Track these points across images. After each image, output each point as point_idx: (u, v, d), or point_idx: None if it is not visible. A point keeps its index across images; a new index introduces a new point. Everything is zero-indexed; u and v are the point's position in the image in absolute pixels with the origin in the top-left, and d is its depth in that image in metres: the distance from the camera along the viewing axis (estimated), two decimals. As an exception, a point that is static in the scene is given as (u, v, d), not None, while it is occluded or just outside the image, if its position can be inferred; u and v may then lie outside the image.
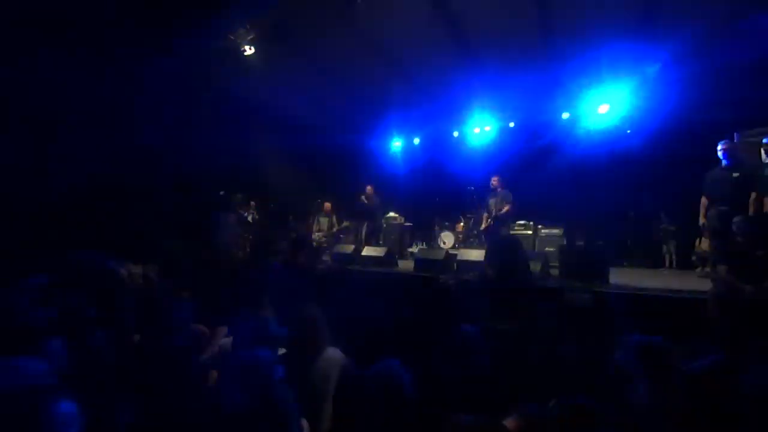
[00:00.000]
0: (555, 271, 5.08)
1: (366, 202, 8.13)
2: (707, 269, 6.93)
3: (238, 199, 8.31)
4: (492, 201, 6.92)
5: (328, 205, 8.60)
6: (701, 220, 4.51)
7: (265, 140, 10.52)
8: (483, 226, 7.07)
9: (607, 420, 1.75)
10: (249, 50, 8.11)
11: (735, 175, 4.21)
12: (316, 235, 8.28)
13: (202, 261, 6.74)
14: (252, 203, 8.97)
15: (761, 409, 1.59)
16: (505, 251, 4.27)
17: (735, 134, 4.81)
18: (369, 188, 8.27)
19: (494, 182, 7.00)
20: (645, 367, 1.76)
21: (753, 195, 4.03)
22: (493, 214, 6.78)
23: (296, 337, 2.36)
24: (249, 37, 7.99)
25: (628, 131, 9.39)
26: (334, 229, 8.50)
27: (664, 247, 8.64)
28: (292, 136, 10.79)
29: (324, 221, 8.52)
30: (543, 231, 7.84)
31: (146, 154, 8.38)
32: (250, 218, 8.70)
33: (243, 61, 8.38)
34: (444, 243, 8.97)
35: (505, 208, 6.65)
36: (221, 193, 9.13)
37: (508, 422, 1.58)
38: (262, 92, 9.86)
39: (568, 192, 9.72)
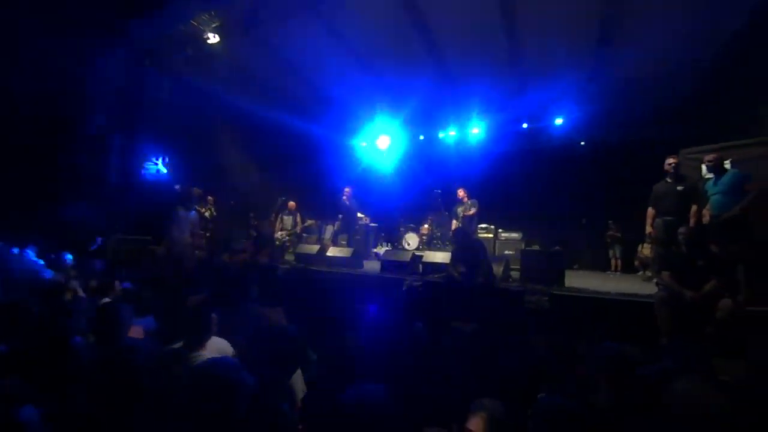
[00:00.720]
0: (515, 274, 5.27)
1: (347, 203, 8.10)
2: (648, 273, 7.53)
3: (196, 194, 7.89)
4: (460, 209, 7.21)
5: (292, 203, 8.38)
6: (648, 229, 4.85)
7: (226, 135, 10.12)
8: (453, 228, 7.33)
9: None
10: (213, 39, 7.76)
11: (679, 188, 4.58)
12: (279, 234, 8.04)
13: (156, 258, 6.37)
14: (210, 198, 8.57)
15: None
16: (471, 254, 4.39)
17: (680, 151, 5.22)
18: (347, 190, 8.23)
19: (461, 193, 7.33)
20: (609, 374, 1.84)
21: (694, 207, 4.41)
22: (462, 215, 7.09)
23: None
24: (213, 25, 7.64)
25: (582, 143, 9.97)
26: (298, 228, 8.30)
27: (611, 252, 9.28)
28: (254, 131, 10.47)
29: (287, 220, 8.29)
30: (503, 235, 8.13)
31: (94, 145, 7.83)
32: (207, 214, 8.29)
33: (204, 49, 8.03)
34: (408, 244, 9.04)
35: (471, 211, 6.95)
36: (176, 187, 8.65)
37: (472, 423, 1.60)
38: (224, 84, 9.51)
39: (527, 198, 10.20)
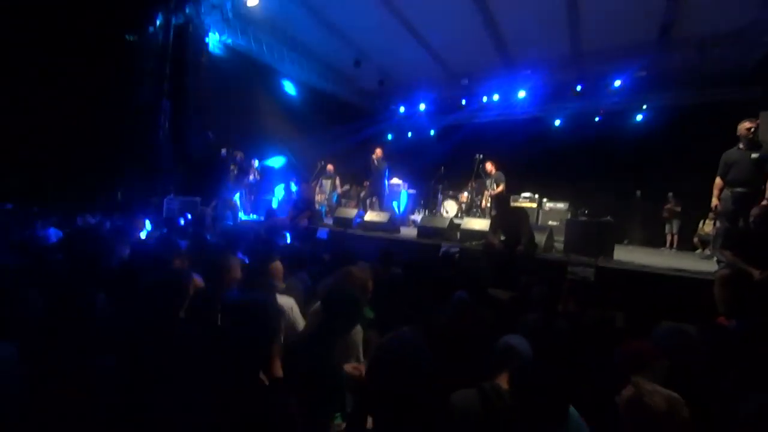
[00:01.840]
0: (559, 245, 5.06)
1: (376, 163, 7.87)
2: (707, 252, 6.95)
3: (239, 157, 8.16)
4: (488, 182, 7.07)
5: (331, 166, 8.45)
6: (713, 202, 4.40)
7: (265, 98, 10.26)
8: (483, 202, 7.21)
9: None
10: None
11: (754, 156, 4.06)
12: (319, 197, 8.20)
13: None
14: (254, 162, 8.84)
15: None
16: (513, 222, 4.24)
17: (759, 113, 4.61)
18: (378, 150, 7.95)
19: (489, 167, 7.07)
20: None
21: (770, 177, 3.93)
22: (490, 192, 7.03)
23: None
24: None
25: (644, 107, 9.12)
26: (338, 191, 8.39)
27: (667, 227, 8.63)
28: (293, 95, 10.54)
29: (327, 183, 8.40)
30: (548, 204, 7.76)
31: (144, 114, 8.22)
32: (251, 178, 8.59)
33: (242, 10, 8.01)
34: (447, 212, 8.91)
35: (500, 188, 6.74)
36: (222, 151, 8.98)
37: (500, 378, 1.60)
38: (264, 47, 9.53)
39: (575, 168, 9.62)
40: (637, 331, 2.27)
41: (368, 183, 8.15)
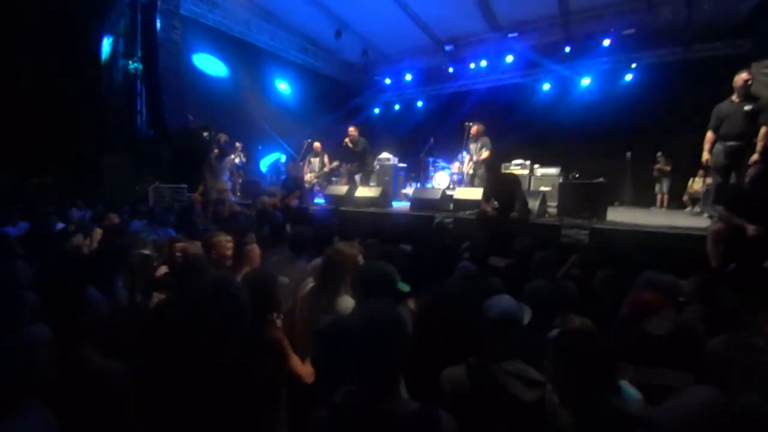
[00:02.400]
0: (552, 210, 5.05)
1: (350, 146, 7.50)
2: (697, 209, 7.02)
3: (224, 140, 7.90)
4: (473, 146, 6.85)
5: (318, 144, 8.25)
6: (704, 156, 4.37)
7: (246, 78, 9.89)
8: (466, 168, 7.05)
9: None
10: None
11: (747, 108, 4.01)
12: (308, 176, 8.05)
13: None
14: (238, 144, 8.59)
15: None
16: (505, 189, 4.19)
17: (752, 65, 4.53)
18: (352, 129, 7.54)
19: (474, 130, 6.86)
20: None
21: (763, 130, 3.87)
22: (474, 158, 6.75)
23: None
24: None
25: (633, 65, 8.97)
26: (326, 169, 8.24)
27: (657, 187, 8.67)
28: (275, 74, 10.19)
29: (315, 162, 8.23)
30: (539, 170, 7.71)
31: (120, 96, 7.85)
32: (237, 160, 8.37)
33: None
34: (439, 184, 8.83)
35: (485, 154, 6.58)
36: (205, 134, 8.70)
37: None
38: (243, 25, 9.10)
39: (565, 132, 9.53)
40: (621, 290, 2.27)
41: (350, 166, 7.88)
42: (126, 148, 7.95)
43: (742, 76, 4.01)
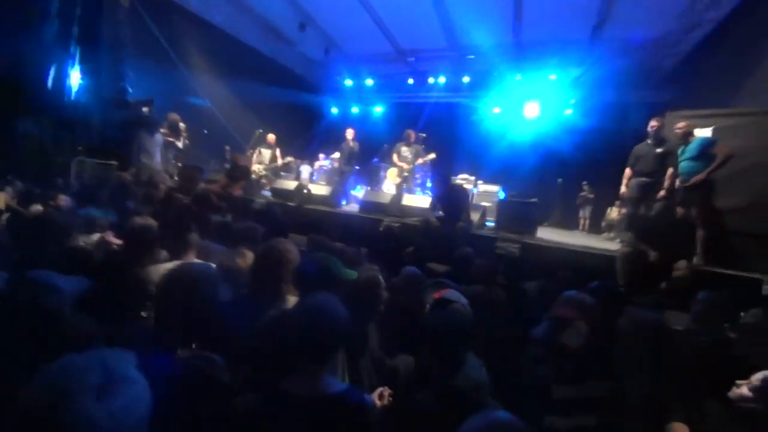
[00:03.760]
0: (491, 223, 5.39)
1: (351, 145, 7.93)
2: (612, 234, 7.91)
3: (172, 120, 7.37)
4: (406, 149, 7.15)
5: (272, 136, 8.01)
6: (622, 189, 4.99)
7: (199, 58, 9.34)
8: (399, 171, 7.30)
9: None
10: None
11: (658, 150, 4.66)
12: (256, 168, 7.76)
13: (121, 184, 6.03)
14: (182, 126, 8.04)
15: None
16: (454, 199, 4.41)
17: (666, 113, 5.24)
18: (350, 131, 8.01)
19: (412, 136, 7.24)
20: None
21: (670, 170, 4.52)
22: (409, 162, 7.08)
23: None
24: None
25: (572, 101, 9.88)
26: (278, 163, 8.02)
27: (581, 212, 9.63)
28: (232, 58, 9.74)
29: (266, 153, 7.96)
30: (482, 186, 8.20)
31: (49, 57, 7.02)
32: (180, 144, 7.82)
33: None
34: (388, 189, 8.99)
35: (431, 156, 6.99)
36: (144, 110, 8.04)
37: None
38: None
39: (508, 154, 10.25)
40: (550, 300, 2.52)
41: (342, 163, 8.19)
42: (47, 112, 7.10)
43: (651, 124, 4.68)
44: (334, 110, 12.93)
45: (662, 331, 1.62)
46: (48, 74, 7.07)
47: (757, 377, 1.36)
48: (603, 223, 9.17)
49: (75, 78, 7.43)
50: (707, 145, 4.19)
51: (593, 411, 1.54)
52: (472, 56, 10.25)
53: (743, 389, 1.38)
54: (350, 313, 1.24)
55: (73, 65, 7.33)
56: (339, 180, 8.28)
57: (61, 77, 7.27)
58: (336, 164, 8.81)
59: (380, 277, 1.96)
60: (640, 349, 1.57)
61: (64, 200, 3.82)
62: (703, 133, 4.56)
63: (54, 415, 0.59)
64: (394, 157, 7.22)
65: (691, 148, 4.26)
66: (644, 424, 1.38)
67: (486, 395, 1.49)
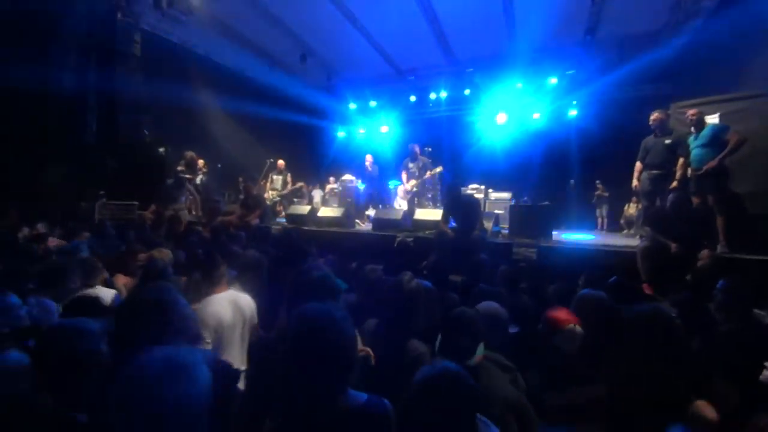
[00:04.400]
0: (505, 231, 5.38)
1: (370, 169, 8.21)
2: (631, 231, 7.75)
3: (189, 158, 7.65)
4: (413, 165, 7.23)
5: (281, 162, 8.24)
6: (634, 183, 4.94)
7: (207, 94, 9.76)
8: (410, 187, 7.35)
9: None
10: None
11: (667, 141, 4.63)
12: (270, 194, 7.97)
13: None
14: (201, 162, 8.32)
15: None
16: (465, 209, 4.44)
17: (671, 105, 5.23)
18: (369, 156, 8.31)
19: (417, 149, 7.34)
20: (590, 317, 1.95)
21: (681, 160, 4.47)
22: (417, 177, 7.17)
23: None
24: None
25: (575, 102, 9.89)
26: (288, 188, 8.22)
27: (597, 211, 9.48)
28: (237, 90, 10.15)
29: (278, 180, 8.18)
30: (493, 195, 8.19)
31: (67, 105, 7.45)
32: (199, 180, 8.09)
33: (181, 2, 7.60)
34: (400, 205, 9.07)
35: (429, 173, 7.06)
36: (161, 150, 8.39)
37: None
38: (204, 41, 9.11)
39: (517, 160, 10.25)
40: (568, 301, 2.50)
41: (364, 187, 8.53)
42: (70, 159, 7.49)
43: (653, 117, 4.67)
44: (341, 134, 13.21)
45: (665, 320, 1.60)
46: (69, 123, 7.50)
47: (787, 357, 1.34)
48: (621, 221, 9.00)
49: (94, 124, 7.86)
50: (720, 131, 4.15)
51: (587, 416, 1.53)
52: (471, 69, 10.43)
53: (774, 371, 1.36)
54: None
55: (91, 113, 7.76)
56: (355, 202, 8.49)
57: (81, 125, 7.69)
58: (350, 184, 8.99)
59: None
60: (646, 339, 1.55)
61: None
62: (712, 120, 4.54)
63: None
64: (403, 175, 7.32)
65: (704, 135, 4.22)
66: (654, 418, 1.35)
67: None
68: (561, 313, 2.00)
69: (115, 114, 7.78)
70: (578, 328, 1.90)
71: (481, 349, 1.57)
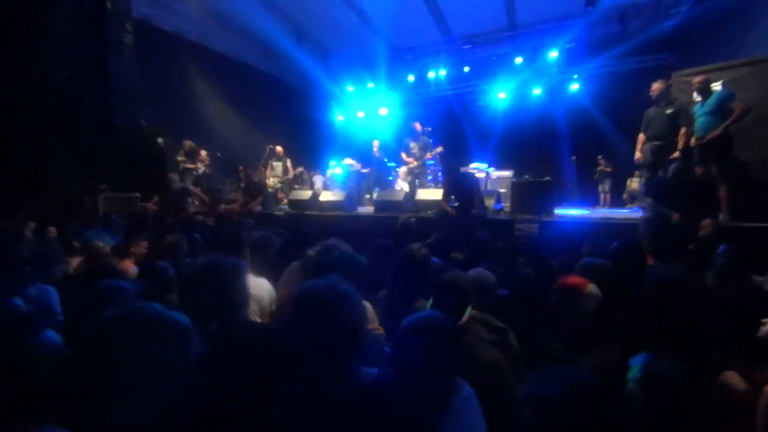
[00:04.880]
0: (507, 208, 5.38)
1: (377, 155, 8.29)
2: (634, 206, 7.73)
3: (188, 147, 7.63)
4: (414, 144, 7.16)
5: (280, 148, 8.22)
6: (636, 155, 4.90)
7: (201, 82, 9.65)
8: (411, 167, 7.31)
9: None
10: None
11: (668, 111, 4.56)
12: (271, 181, 7.98)
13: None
14: (203, 153, 8.28)
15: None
16: (464, 188, 4.45)
17: (672, 74, 5.13)
18: (376, 142, 8.39)
19: (418, 127, 7.23)
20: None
21: (682, 130, 4.42)
22: (419, 157, 7.13)
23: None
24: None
25: (575, 76, 9.72)
26: (290, 174, 8.22)
27: (600, 187, 9.43)
28: (231, 78, 10.04)
29: (278, 166, 8.17)
30: (494, 173, 8.17)
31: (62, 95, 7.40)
32: (201, 170, 8.08)
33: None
34: (401, 187, 9.06)
35: (429, 155, 7.03)
36: (159, 141, 8.35)
37: None
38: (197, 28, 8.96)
39: (519, 138, 10.16)
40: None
41: (369, 170, 8.60)
42: (71, 155, 7.49)
43: (655, 86, 4.59)
44: (340, 117, 13.09)
45: (685, 285, 1.63)
46: (65, 117, 7.46)
47: (782, 311, 1.37)
48: (624, 195, 8.96)
49: (91, 118, 7.81)
50: (726, 99, 4.07)
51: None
52: (469, 45, 10.23)
53: (769, 326, 1.39)
54: None
55: (87, 106, 7.70)
56: (361, 185, 8.58)
57: (78, 118, 7.65)
58: (352, 168, 8.98)
59: None
60: (664, 305, 1.59)
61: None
62: (715, 87, 4.46)
63: None
64: (403, 155, 7.29)
65: (709, 103, 4.15)
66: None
67: None
68: (574, 279, 2.03)
69: (111, 106, 7.73)
70: (596, 289, 1.95)
71: (468, 311, 1.64)
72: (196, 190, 7.72)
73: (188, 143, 7.51)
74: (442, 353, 1.09)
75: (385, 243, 3.00)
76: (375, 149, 8.29)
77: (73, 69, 7.38)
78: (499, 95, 10.91)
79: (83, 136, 7.69)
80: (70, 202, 7.04)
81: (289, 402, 1.09)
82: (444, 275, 1.77)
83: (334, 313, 1.04)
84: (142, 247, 3.07)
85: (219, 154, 9.77)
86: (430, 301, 1.74)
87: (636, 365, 1.48)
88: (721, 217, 3.94)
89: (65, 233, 4.57)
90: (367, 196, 9.04)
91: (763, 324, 1.40)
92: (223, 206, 6.97)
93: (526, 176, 6.92)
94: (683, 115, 4.40)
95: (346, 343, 1.05)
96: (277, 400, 1.09)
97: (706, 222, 3.65)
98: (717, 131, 4.00)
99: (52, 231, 4.39)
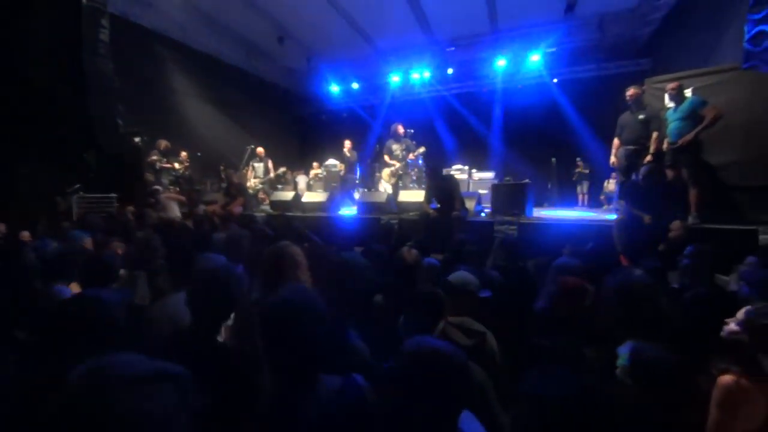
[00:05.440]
0: (488, 210, 5.45)
1: (348, 155, 8.17)
2: (611, 207, 7.94)
3: (163, 147, 7.44)
4: (397, 146, 7.07)
5: (261, 149, 8.12)
6: (612, 159, 5.04)
7: (182, 82, 9.45)
8: (393, 170, 7.18)
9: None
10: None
11: (641, 117, 4.71)
12: (252, 182, 7.87)
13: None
14: (184, 153, 8.09)
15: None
16: (446, 190, 4.48)
17: (644, 81, 5.29)
18: (347, 142, 8.27)
19: (400, 129, 7.14)
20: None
21: (654, 134, 4.57)
22: (401, 159, 7.06)
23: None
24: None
25: (555, 80, 9.91)
26: (271, 175, 8.12)
27: (578, 188, 9.66)
28: (213, 77, 9.87)
29: (259, 167, 8.07)
30: (476, 175, 8.27)
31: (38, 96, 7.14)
32: (182, 171, 7.89)
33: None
34: (384, 188, 9.07)
35: (413, 156, 7.04)
36: (136, 140, 8.13)
37: None
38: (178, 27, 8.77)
39: (500, 140, 10.31)
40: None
41: (345, 171, 8.44)
42: (45, 156, 7.23)
43: (629, 93, 4.74)
44: (324, 117, 13.03)
45: (646, 287, 1.68)
46: (38, 114, 7.20)
47: (741, 312, 1.43)
48: (601, 196, 9.20)
49: (65, 116, 7.54)
50: (697, 105, 4.23)
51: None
52: (453, 48, 10.33)
53: (731, 325, 1.45)
54: None
55: (61, 104, 7.44)
56: (339, 187, 8.37)
57: (53, 118, 7.39)
58: (335, 169, 8.91)
59: None
60: (626, 306, 1.64)
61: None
62: (686, 94, 4.62)
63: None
64: (386, 157, 7.25)
65: (682, 108, 4.30)
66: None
67: None
68: (573, 280, 2.03)
69: (87, 104, 7.49)
70: (590, 286, 1.98)
71: (440, 325, 1.65)
72: (174, 191, 7.56)
73: (163, 142, 7.35)
74: (452, 393, 1.03)
75: (378, 248, 3.00)
76: (346, 149, 8.23)
77: (47, 65, 7.13)
78: (482, 97, 11.05)
79: (57, 135, 7.44)
80: (42, 203, 6.80)
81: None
82: (415, 291, 1.78)
83: (292, 321, 1.08)
84: (118, 248, 3.01)
85: (199, 154, 9.58)
86: (401, 319, 1.74)
87: (624, 353, 1.51)
88: (690, 219, 4.09)
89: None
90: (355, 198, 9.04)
91: (726, 324, 1.46)
92: (202, 207, 6.85)
93: (508, 178, 7.02)
94: (655, 121, 4.56)
95: (306, 351, 1.10)
96: None
97: (676, 224, 3.79)
98: (689, 136, 4.16)
99: (25, 236, 4.22)
